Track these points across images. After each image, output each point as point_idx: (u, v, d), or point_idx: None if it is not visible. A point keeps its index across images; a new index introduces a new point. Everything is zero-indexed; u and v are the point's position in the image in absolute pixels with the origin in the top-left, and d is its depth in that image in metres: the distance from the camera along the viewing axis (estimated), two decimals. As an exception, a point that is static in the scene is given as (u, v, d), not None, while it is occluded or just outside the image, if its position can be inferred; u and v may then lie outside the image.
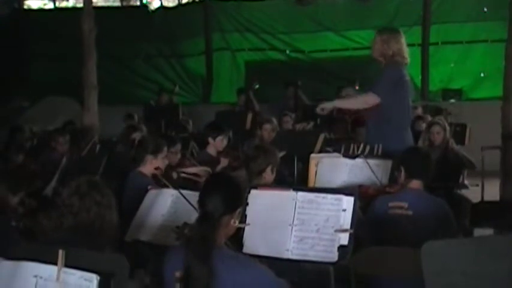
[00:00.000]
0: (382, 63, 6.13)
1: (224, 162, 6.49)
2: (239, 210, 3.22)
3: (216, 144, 7.01)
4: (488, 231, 5.88)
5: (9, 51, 15.38)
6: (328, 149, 6.34)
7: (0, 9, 16.13)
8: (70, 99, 12.90)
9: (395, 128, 5.93)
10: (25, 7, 17.17)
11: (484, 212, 6.35)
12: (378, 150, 5.45)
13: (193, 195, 4.29)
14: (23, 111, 13.80)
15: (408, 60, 6.20)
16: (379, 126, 5.96)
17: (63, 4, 16.85)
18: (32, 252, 2.54)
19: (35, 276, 2.42)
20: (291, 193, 3.77)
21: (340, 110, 7.79)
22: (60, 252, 2.38)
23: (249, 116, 10.27)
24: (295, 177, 6.36)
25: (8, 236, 3.78)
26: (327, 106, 6.30)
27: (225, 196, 3.10)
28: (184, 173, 5.99)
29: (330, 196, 3.69)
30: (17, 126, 10.06)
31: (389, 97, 5.93)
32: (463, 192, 6.95)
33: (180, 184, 4.92)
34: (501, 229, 5.87)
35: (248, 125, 9.98)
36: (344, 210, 3.61)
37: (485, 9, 12.51)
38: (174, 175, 5.92)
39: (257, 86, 12.27)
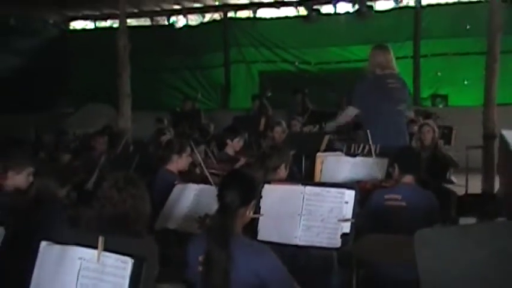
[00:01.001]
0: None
1: (241, 160, 6.48)
2: (253, 202, 3.25)
3: (234, 145, 7.01)
4: (471, 220, 5.87)
5: (56, 66, 15.48)
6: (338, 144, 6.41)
7: (50, 30, 16.27)
8: (107, 106, 12.94)
9: (382, 129, 5.93)
10: (70, 28, 17.24)
11: (468, 204, 6.34)
12: (375, 149, 5.45)
13: (213, 190, 4.35)
14: (68, 117, 13.87)
15: (396, 70, 6.22)
16: (370, 128, 6.00)
17: (102, 24, 16.89)
18: (77, 237, 2.56)
19: (80, 258, 2.43)
20: (299, 187, 3.78)
21: None
22: (100, 238, 2.40)
23: (262, 120, 10.28)
24: (303, 173, 6.35)
25: (57, 223, 3.81)
26: (331, 127, 6.53)
27: (241, 190, 3.12)
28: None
29: (333, 190, 3.71)
30: (62, 130, 10.15)
31: (365, 105, 6.00)
32: (450, 186, 6.92)
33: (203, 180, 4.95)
34: (483, 218, 5.87)
35: (261, 127, 9.99)
36: (346, 202, 3.62)
37: (468, 27, 12.51)
38: (197, 171, 5.95)
39: (269, 94, 12.30)
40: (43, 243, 2.60)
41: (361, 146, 5.71)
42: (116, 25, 13.98)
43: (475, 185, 8.02)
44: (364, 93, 6.10)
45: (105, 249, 2.40)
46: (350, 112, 6.22)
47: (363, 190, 4.60)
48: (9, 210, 3.25)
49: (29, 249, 2.62)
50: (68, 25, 17.09)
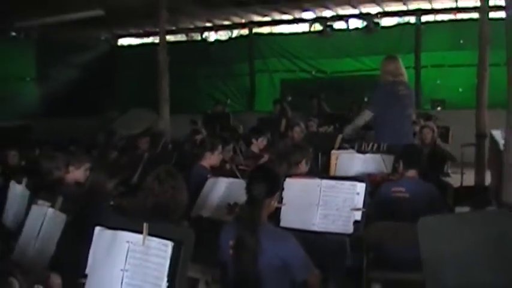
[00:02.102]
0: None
1: (265, 157, 6.46)
2: (277, 194, 3.23)
3: (258, 143, 6.98)
4: (466, 209, 5.80)
5: (106, 76, 15.65)
6: (345, 145, 6.34)
7: (101, 46, 16.45)
8: (149, 110, 12.98)
9: (391, 130, 5.88)
10: (118, 44, 17.39)
11: (463, 195, 6.27)
12: (383, 148, 5.41)
13: (241, 183, 4.34)
14: (115, 120, 13.99)
15: (405, 77, 6.16)
16: (381, 129, 5.95)
17: (145, 40, 17.00)
18: (124, 224, 2.56)
19: (127, 241, 2.44)
20: (317, 181, 3.77)
21: None
22: (145, 224, 2.41)
23: (283, 122, 10.26)
24: (319, 168, 6.32)
25: (107, 211, 3.83)
26: (348, 131, 6.34)
27: (266, 183, 3.10)
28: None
29: (347, 183, 3.70)
30: (111, 131, 10.22)
31: (381, 110, 5.95)
32: (447, 179, 6.85)
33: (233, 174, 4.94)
34: (476, 207, 5.80)
35: (282, 128, 9.97)
36: (358, 193, 3.61)
37: (461, 41, 12.43)
38: (227, 167, 5.94)
39: (289, 99, 12.29)
40: (97, 229, 2.62)
41: (371, 144, 5.66)
42: (156, 41, 14.05)
43: (469, 178, 7.95)
44: (379, 99, 6.03)
45: (149, 234, 2.40)
46: (366, 116, 6.10)
47: (373, 183, 4.56)
48: (70, 200, 3.27)
49: (86, 233, 2.64)
50: (116, 41, 17.23)
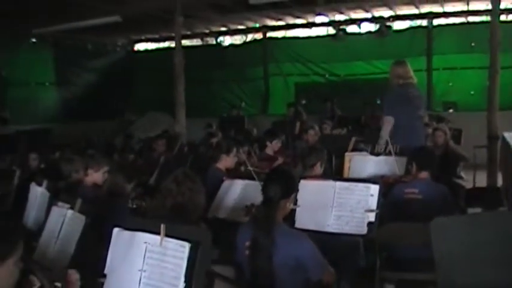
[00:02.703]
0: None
1: (279, 159, 6.45)
2: (293, 195, 3.23)
3: (273, 146, 6.98)
4: (478, 210, 5.76)
5: (123, 80, 15.76)
6: (362, 145, 6.31)
7: (118, 51, 16.56)
8: (165, 113, 13.07)
9: (403, 132, 5.84)
10: (135, 49, 17.48)
11: (475, 196, 6.22)
12: (396, 150, 5.38)
13: (256, 184, 4.34)
14: (132, 124, 14.09)
15: (414, 80, 6.14)
16: (393, 131, 5.92)
17: (161, 45, 17.08)
18: (142, 225, 2.57)
19: (145, 242, 2.44)
20: (331, 182, 3.76)
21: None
22: (162, 225, 2.40)
23: (297, 124, 10.26)
24: (333, 170, 6.30)
25: (125, 213, 3.85)
26: (380, 147, 6.06)
27: (282, 185, 3.10)
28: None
29: (360, 184, 3.68)
30: (129, 134, 10.29)
31: (396, 112, 5.91)
32: (460, 181, 6.80)
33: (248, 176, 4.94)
34: (487, 208, 5.75)
35: (297, 131, 9.96)
36: (372, 195, 3.60)
37: (473, 44, 12.33)
38: (242, 169, 5.94)
39: (303, 102, 12.28)
40: (115, 230, 2.62)
41: (383, 146, 5.64)
42: (172, 45, 14.12)
43: (481, 180, 7.88)
44: (392, 102, 6.01)
45: (167, 235, 2.40)
46: (389, 123, 6.00)
47: (386, 184, 4.55)
48: (89, 202, 3.29)
49: (105, 234, 2.65)
50: (133, 47, 17.33)
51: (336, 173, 6.06)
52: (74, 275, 2.66)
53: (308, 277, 3.02)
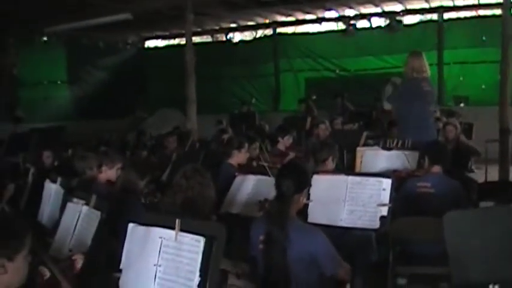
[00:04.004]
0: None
1: (291, 155, 6.46)
2: (306, 190, 3.23)
3: (285, 141, 7.00)
4: (490, 204, 5.73)
5: (134, 78, 15.82)
6: (370, 141, 6.31)
7: (129, 49, 16.63)
8: (176, 110, 13.10)
9: (415, 126, 5.83)
10: (145, 46, 17.54)
11: (487, 190, 6.19)
12: (408, 144, 5.37)
13: (269, 180, 4.35)
14: (144, 121, 14.15)
15: (428, 73, 6.12)
16: (405, 125, 5.91)
17: (171, 42, 17.12)
18: (157, 220, 2.58)
19: (160, 237, 2.45)
20: (343, 177, 3.77)
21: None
22: (177, 220, 2.41)
23: (308, 120, 10.25)
24: (344, 165, 6.30)
25: (139, 208, 3.88)
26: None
27: (295, 180, 3.10)
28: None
29: (372, 179, 3.68)
30: (141, 131, 10.33)
31: (402, 105, 5.90)
32: (471, 175, 6.77)
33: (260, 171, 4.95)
34: (500, 202, 5.72)
35: (308, 126, 9.95)
36: (384, 189, 3.60)
37: (484, 38, 12.26)
38: (254, 164, 5.95)
39: (314, 97, 12.27)
40: (130, 225, 2.63)
41: (395, 141, 5.63)
42: (182, 42, 14.15)
43: (493, 174, 7.84)
44: (402, 95, 6.00)
45: (181, 230, 2.41)
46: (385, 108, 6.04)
47: (398, 179, 4.54)
48: (103, 199, 3.32)
49: (120, 230, 2.67)
50: (144, 44, 17.39)
51: (347, 168, 6.06)
52: (79, 258, 2.71)
53: (322, 272, 3.03)
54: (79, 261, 2.74)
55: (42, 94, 13.98)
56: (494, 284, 1.63)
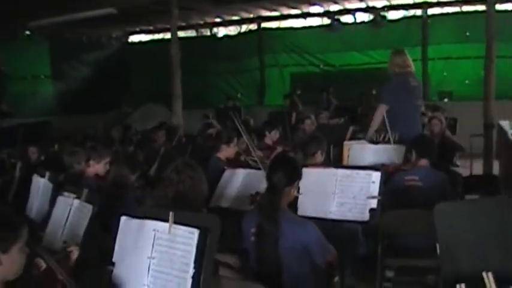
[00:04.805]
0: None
1: (278, 149, 6.49)
2: (297, 182, 3.26)
3: (272, 136, 7.04)
4: (475, 197, 5.81)
5: (118, 73, 15.72)
6: (360, 135, 6.32)
7: (113, 43, 16.51)
8: (161, 105, 13.05)
9: (402, 121, 5.87)
10: (129, 41, 17.42)
11: (472, 183, 6.27)
12: (395, 138, 5.41)
13: (258, 173, 4.38)
14: (129, 116, 14.09)
15: (413, 69, 6.16)
16: (392, 120, 5.94)
17: (156, 37, 17.03)
18: (150, 213, 2.59)
19: (154, 230, 2.45)
20: (333, 170, 3.80)
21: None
22: (171, 213, 2.41)
23: (294, 115, 10.29)
24: (331, 159, 6.32)
25: (132, 203, 3.88)
26: (370, 134, 6.09)
27: (286, 172, 3.13)
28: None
29: (362, 172, 3.71)
30: (127, 126, 10.29)
31: (393, 101, 5.93)
32: (456, 169, 6.85)
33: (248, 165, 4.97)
34: (485, 195, 5.80)
35: (293, 121, 9.99)
36: (373, 182, 3.63)
37: (468, 33, 12.37)
38: (242, 158, 5.97)
39: (299, 92, 12.29)
40: (123, 218, 2.63)
41: (382, 135, 5.67)
42: (167, 37, 14.06)
43: (477, 169, 7.94)
44: (391, 92, 6.03)
45: (175, 222, 2.40)
46: (382, 110, 5.97)
47: (386, 173, 4.57)
48: (94, 192, 3.31)
49: (112, 223, 2.67)
50: (128, 39, 17.26)
51: (334, 162, 6.09)
52: (74, 250, 2.72)
53: (313, 261, 3.06)
54: (74, 253, 2.74)
55: (26, 89, 13.83)
56: (488, 271, 1.66)
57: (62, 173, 5.03)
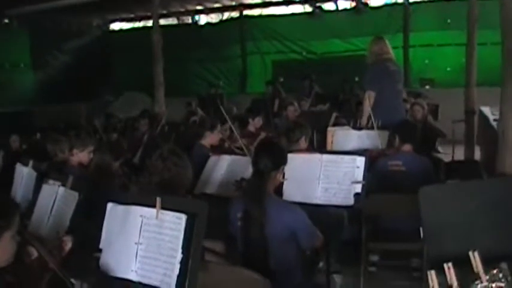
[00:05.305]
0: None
1: (262, 135, 6.50)
2: (283, 167, 3.27)
3: (255, 123, 7.06)
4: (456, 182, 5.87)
5: (99, 61, 15.54)
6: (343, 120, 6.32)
7: (94, 31, 16.30)
8: (143, 93, 12.98)
9: (385, 106, 5.90)
10: (110, 29, 17.24)
11: (454, 168, 6.35)
12: (378, 123, 5.45)
13: (242, 159, 4.39)
14: (111, 104, 13.98)
15: (392, 55, 6.20)
16: (375, 105, 5.97)
17: (137, 25, 16.88)
18: (136, 199, 2.58)
19: (141, 216, 2.45)
20: (317, 155, 3.79)
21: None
22: (158, 198, 2.41)
23: (276, 102, 10.31)
24: (314, 146, 6.34)
25: (116, 189, 3.86)
26: (364, 122, 6.08)
27: (272, 156, 3.14)
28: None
29: (346, 157, 3.72)
30: (110, 114, 10.22)
31: (376, 88, 5.96)
32: (438, 155, 6.92)
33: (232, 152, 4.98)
34: (466, 179, 5.87)
35: (276, 108, 10.01)
36: (358, 167, 3.64)
37: (449, 21, 12.44)
38: (226, 145, 5.98)
39: (281, 80, 12.30)
40: (109, 204, 2.63)
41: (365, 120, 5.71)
42: (148, 25, 13.94)
43: (459, 154, 8.02)
44: (371, 78, 6.07)
45: (163, 208, 2.40)
46: (370, 98, 5.97)
47: (370, 158, 4.60)
48: (79, 180, 3.30)
49: (97, 211, 2.67)
50: (109, 27, 17.08)
51: (318, 148, 6.11)
52: (68, 240, 2.71)
53: (300, 246, 3.08)
54: (68, 244, 2.72)
55: (5, 78, 13.62)
56: (474, 250, 1.69)
57: (45, 162, 4.99)
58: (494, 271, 1.75)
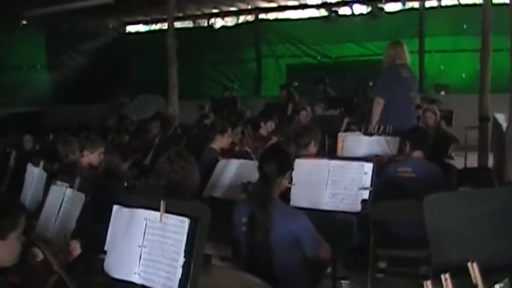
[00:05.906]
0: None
1: (273, 139, 6.50)
2: (289, 172, 3.26)
3: (267, 127, 7.06)
4: (468, 189, 5.83)
5: (115, 63, 15.67)
6: (353, 127, 6.32)
7: (110, 33, 16.44)
8: (157, 96, 13.04)
9: (396, 112, 5.87)
10: (126, 31, 17.37)
11: (466, 176, 6.30)
12: (389, 130, 5.42)
13: (251, 164, 4.38)
14: (125, 106, 14.07)
15: (407, 60, 6.16)
16: (385, 112, 5.94)
17: (153, 27, 16.97)
18: (141, 202, 2.59)
19: (145, 219, 2.45)
20: (325, 161, 3.77)
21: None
22: (162, 201, 2.41)
23: (290, 106, 10.30)
24: (326, 151, 6.33)
25: (123, 191, 3.88)
26: (372, 129, 5.95)
27: (278, 162, 3.13)
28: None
29: (354, 163, 3.69)
30: (123, 115, 10.27)
31: (387, 93, 5.93)
32: (451, 161, 6.87)
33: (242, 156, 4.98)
34: (478, 187, 5.82)
35: (289, 112, 10.00)
36: (366, 173, 3.61)
37: (465, 26, 12.35)
38: (237, 149, 5.98)
39: (296, 83, 12.29)
40: (115, 207, 2.64)
41: (376, 126, 5.68)
42: (164, 27, 14.02)
43: (472, 161, 7.98)
44: (383, 83, 6.03)
45: (166, 211, 2.40)
46: (379, 105, 5.99)
47: (379, 164, 4.58)
48: (87, 181, 3.32)
49: (105, 212, 2.68)
50: (125, 29, 17.21)
51: (329, 153, 6.09)
52: (76, 245, 2.72)
53: (304, 253, 3.07)
54: (76, 249, 2.74)
55: (21, 78, 13.79)
56: (473, 261, 1.68)
57: (57, 163, 5.03)
58: (496, 286, 1.72)
